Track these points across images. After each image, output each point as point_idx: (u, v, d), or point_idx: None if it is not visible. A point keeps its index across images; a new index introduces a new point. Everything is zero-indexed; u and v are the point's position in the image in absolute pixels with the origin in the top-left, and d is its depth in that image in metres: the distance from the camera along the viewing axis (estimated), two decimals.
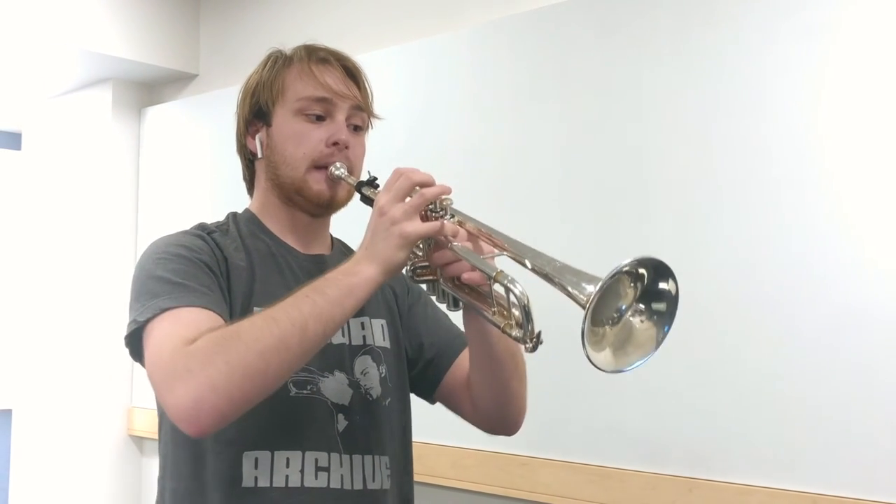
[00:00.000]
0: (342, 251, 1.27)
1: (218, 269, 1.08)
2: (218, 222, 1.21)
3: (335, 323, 0.97)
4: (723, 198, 1.59)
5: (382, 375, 1.19)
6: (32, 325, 3.13)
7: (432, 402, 1.29)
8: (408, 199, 1.00)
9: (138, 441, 2.91)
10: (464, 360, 1.23)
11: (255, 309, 1.09)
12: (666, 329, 0.91)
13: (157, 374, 0.95)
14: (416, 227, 0.98)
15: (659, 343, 0.91)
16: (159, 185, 2.89)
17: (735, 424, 1.55)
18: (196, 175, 2.73)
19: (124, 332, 1.04)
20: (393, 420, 1.20)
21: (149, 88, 3.00)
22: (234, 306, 1.08)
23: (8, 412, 3.36)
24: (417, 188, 1.01)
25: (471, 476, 1.92)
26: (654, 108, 1.69)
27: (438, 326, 1.28)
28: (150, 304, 1.00)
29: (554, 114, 1.84)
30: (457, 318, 1.22)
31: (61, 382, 2.97)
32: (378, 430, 1.17)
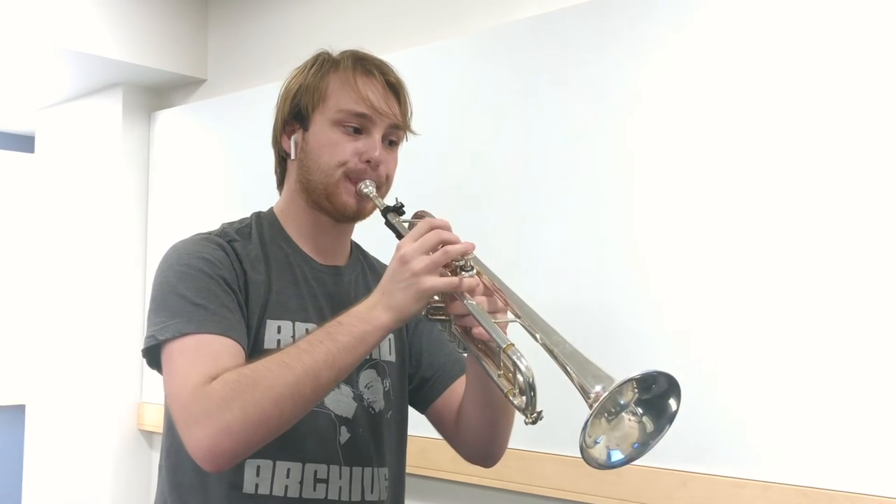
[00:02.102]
0: (360, 260, 1.28)
1: (237, 285, 1.10)
2: (241, 224, 1.21)
3: (347, 369, 0.99)
4: (725, 197, 1.59)
5: (386, 389, 1.21)
6: (45, 324, 3.17)
7: (425, 415, 1.31)
8: (432, 252, 1.00)
9: (148, 436, 2.94)
10: (459, 386, 1.24)
11: (269, 321, 1.11)
12: (636, 446, 0.91)
13: (177, 411, 0.99)
14: (435, 282, 0.99)
15: (630, 459, 0.91)
16: (168, 187, 2.92)
17: (728, 418, 1.56)
18: (204, 178, 2.74)
19: (143, 345, 1.06)
20: (393, 433, 1.22)
21: (158, 93, 3.03)
22: (251, 319, 1.10)
23: (21, 407, 3.40)
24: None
25: (470, 470, 1.87)
26: (653, 112, 1.70)
27: (440, 348, 1.29)
28: (170, 323, 1.03)
29: (553, 118, 1.85)
30: None
31: (73, 379, 3.01)
32: (379, 443, 1.19)
